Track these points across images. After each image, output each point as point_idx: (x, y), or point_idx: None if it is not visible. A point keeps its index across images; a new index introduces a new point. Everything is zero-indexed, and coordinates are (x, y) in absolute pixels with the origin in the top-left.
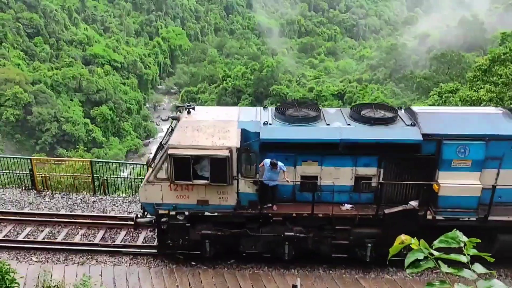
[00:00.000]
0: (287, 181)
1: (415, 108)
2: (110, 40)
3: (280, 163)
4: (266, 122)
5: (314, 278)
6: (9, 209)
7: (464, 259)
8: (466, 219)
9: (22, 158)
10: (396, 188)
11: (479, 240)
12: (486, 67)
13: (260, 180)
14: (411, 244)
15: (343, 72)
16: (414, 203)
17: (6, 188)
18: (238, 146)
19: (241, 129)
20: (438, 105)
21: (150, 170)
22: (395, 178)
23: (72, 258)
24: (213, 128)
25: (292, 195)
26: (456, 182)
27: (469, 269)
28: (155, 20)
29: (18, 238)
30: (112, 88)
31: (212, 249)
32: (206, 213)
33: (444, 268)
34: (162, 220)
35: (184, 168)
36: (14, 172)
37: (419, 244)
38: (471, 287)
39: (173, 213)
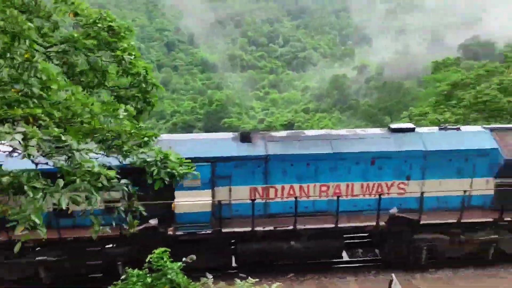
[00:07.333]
0: None
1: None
2: None
3: None
4: None
5: None
6: None
7: None
8: (203, 232)
9: None
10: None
11: None
12: (447, 92)
13: None
14: None
15: (289, 103)
16: (153, 221)
17: None
18: None
19: None
20: None
21: None
22: (142, 199)
23: None
24: None
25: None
26: (188, 200)
27: None
28: None
29: None
30: None
31: None
32: None
33: None
34: None
35: None
36: None
37: None
38: None
39: None
